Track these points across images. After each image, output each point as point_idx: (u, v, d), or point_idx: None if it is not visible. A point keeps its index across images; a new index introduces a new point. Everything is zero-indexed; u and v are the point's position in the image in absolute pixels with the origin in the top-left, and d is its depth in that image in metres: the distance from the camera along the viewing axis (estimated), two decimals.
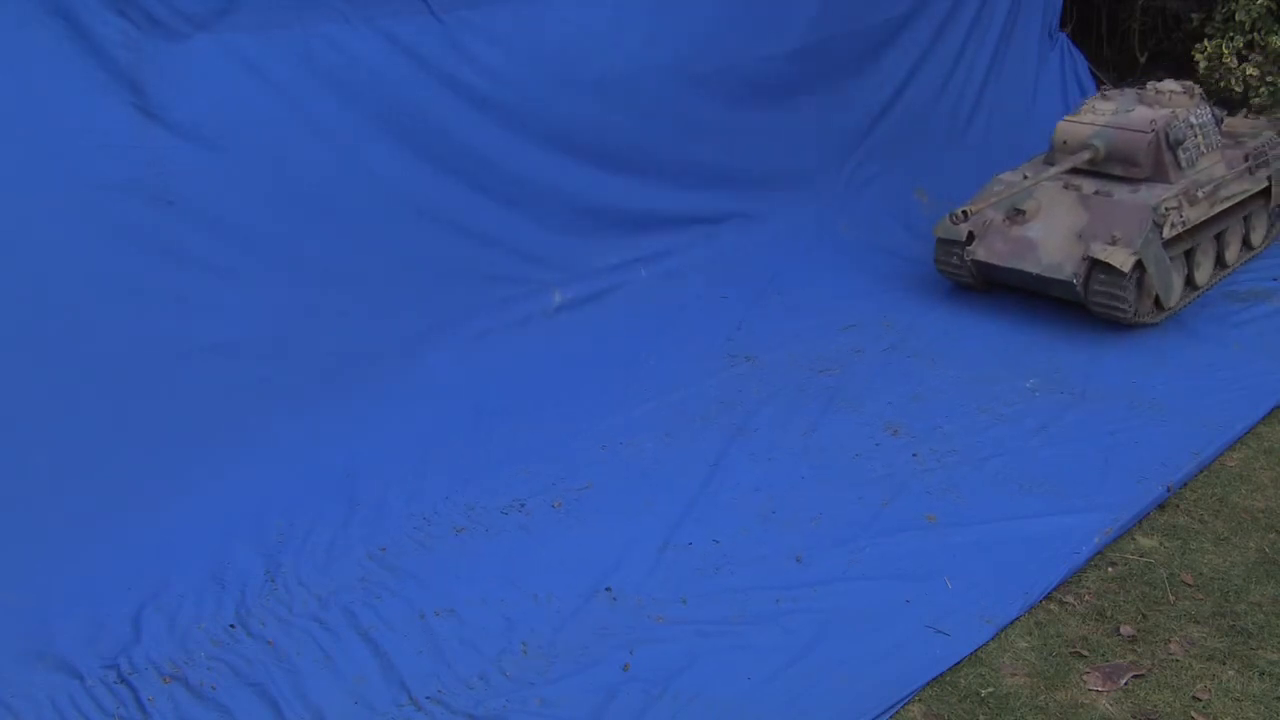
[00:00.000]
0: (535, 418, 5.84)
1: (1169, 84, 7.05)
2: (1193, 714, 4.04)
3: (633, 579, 4.74)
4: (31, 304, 4.89)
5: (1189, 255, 6.81)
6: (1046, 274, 6.45)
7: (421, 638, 4.43)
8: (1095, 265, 6.29)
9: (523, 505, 5.22)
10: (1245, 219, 7.36)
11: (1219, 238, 7.11)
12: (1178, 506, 5.18)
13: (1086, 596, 4.63)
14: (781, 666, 4.25)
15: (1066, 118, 7.02)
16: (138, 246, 5.16)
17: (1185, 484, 5.31)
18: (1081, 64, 9.65)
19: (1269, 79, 9.49)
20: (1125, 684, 4.18)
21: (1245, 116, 8.13)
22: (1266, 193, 7.39)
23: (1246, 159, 7.14)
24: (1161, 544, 4.94)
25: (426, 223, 6.15)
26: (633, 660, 4.31)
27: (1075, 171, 6.78)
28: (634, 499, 5.23)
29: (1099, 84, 9.74)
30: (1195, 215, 6.56)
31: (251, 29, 5.36)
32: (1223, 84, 9.69)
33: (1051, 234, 6.54)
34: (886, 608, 4.53)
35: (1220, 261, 7.21)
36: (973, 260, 6.73)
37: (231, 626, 4.50)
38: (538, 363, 6.29)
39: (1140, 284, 6.35)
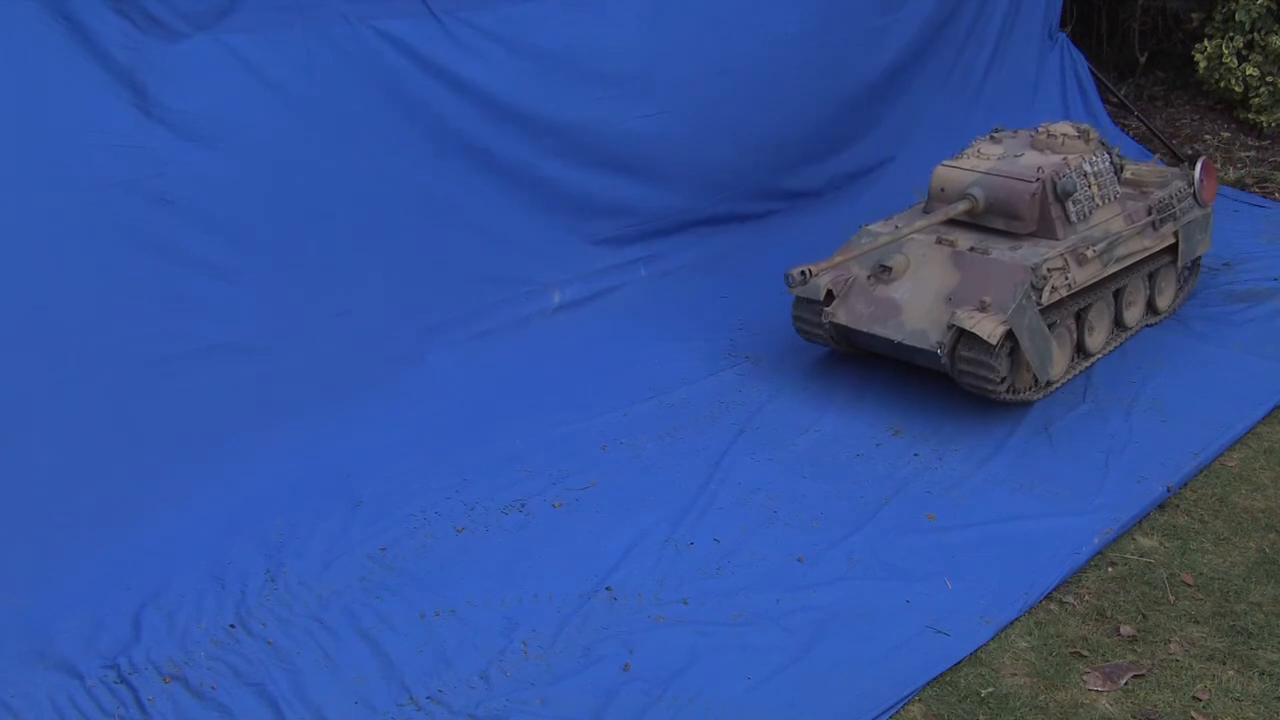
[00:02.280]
0: (535, 417, 5.84)
1: (1063, 127, 6.28)
2: (1193, 714, 4.04)
3: (633, 579, 4.74)
4: (31, 304, 4.89)
5: (1080, 318, 6.09)
6: (908, 342, 5.64)
7: (422, 637, 4.43)
8: (962, 334, 5.48)
9: (523, 505, 5.22)
10: (1150, 278, 6.57)
11: (1118, 296, 6.36)
12: (1178, 507, 5.18)
13: (1086, 596, 4.63)
14: (781, 666, 4.25)
15: (945, 162, 6.24)
16: (138, 246, 5.17)
17: (1185, 484, 5.31)
18: (1081, 64, 9.64)
19: (1269, 79, 9.50)
20: (1125, 684, 4.18)
21: (1156, 163, 7.23)
22: (1175, 249, 6.57)
23: (1149, 212, 6.33)
24: (1161, 544, 4.94)
25: (426, 222, 6.16)
26: (633, 660, 4.31)
27: (955, 224, 6.04)
28: (634, 499, 5.23)
29: (1101, 85, 9.74)
30: (1084, 277, 5.84)
31: (251, 29, 5.36)
32: (1223, 84, 9.70)
33: (918, 296, 5.73)
34: (886, 608, 4.53)
35: (1119, 323, 6.44)
36: (831, 322, 5.89)
37: (231, 626, 4.50)
38: (538, 363, 6.30)
39: (1015, 355, 5.60)
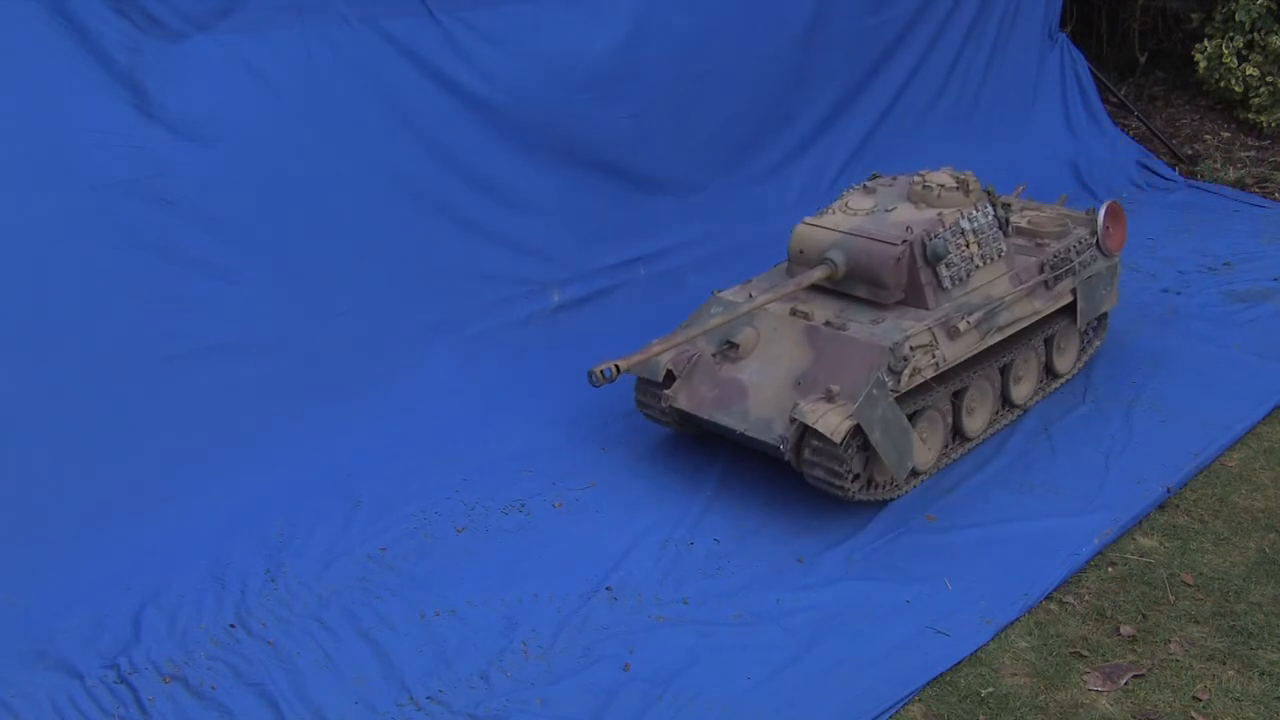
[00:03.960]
0: (535, 417, 5.84)
1: (940, 176, 5.43)
2: (1193, 714, 4.04)
3: (633, 579, 4.74)
4: (31, 304, 4.89)
5: (957, 398, 5.37)
6: (751, 433, 4.98)
7: (422, 637, 4.44)
8: (807, 427, 4.81)
9: (523, 505, 5.22)
10: (1048, 341, 5.84)
11: (1005, 370, 5.61)
12: (1178, 507, 5.18)
13: (1086, 596, 4.63)
14: (781, 666, 4.25)
15: (807, 219, 5.47)
16: (138, 246, 5.17)
17: (1185, 484, 5.31)
18: (1082, 64, 9.65)
19: (1269, 79, 9.50)
20: (1125, 684, 4.18)
21: (1059, 206, 6.35)
22: (1074, 308, 5.86)
23: (1042, 269, 5.61)
24: (1161, 544, 4.94)
25: (426, 223, 6.16)
26: (633, 660, 4.31)
27: (818, 289, 5.35)
28: (634, 499, 5.24)
29: (1101, 85, 9.74)
30: (957, 353, 5.13)
31: (251, 29, 5.36)
32: (1223, 84, 9.70)
33: (767, 378, 5.06)
34: (886, 608, 4.54)
35: (1006, 400, 5.69)
36: (671, 407, 5.26)
37: (231, 626, 4.50)
38: (538, 363, 6.29)
39: (872, 448, 4.87)
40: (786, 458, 4.89)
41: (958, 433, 5.43)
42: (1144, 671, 4.23)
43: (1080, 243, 5.86)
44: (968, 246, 5.28)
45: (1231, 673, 4.21)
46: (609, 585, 4.70)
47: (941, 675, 4.21)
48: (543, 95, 6.48)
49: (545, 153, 6.60)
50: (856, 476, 4.90)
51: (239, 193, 5.44)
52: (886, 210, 5.32)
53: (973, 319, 5.19)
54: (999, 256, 5.45)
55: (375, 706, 4.12)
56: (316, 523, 5.06)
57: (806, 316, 5.17)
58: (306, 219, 5.69)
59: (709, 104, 7.33)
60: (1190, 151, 9.62)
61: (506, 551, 4.92)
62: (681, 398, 5.22)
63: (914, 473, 5.17)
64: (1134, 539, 4.97)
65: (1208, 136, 9.89)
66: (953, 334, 5.11)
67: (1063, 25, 9.75)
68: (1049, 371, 5.94)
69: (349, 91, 5.74)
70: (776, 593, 4.64)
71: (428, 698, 4.15)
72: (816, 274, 5.20)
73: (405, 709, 4.10)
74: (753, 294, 5.37)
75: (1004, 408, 5.69)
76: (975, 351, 5.24)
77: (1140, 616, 4.52)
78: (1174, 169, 9.33)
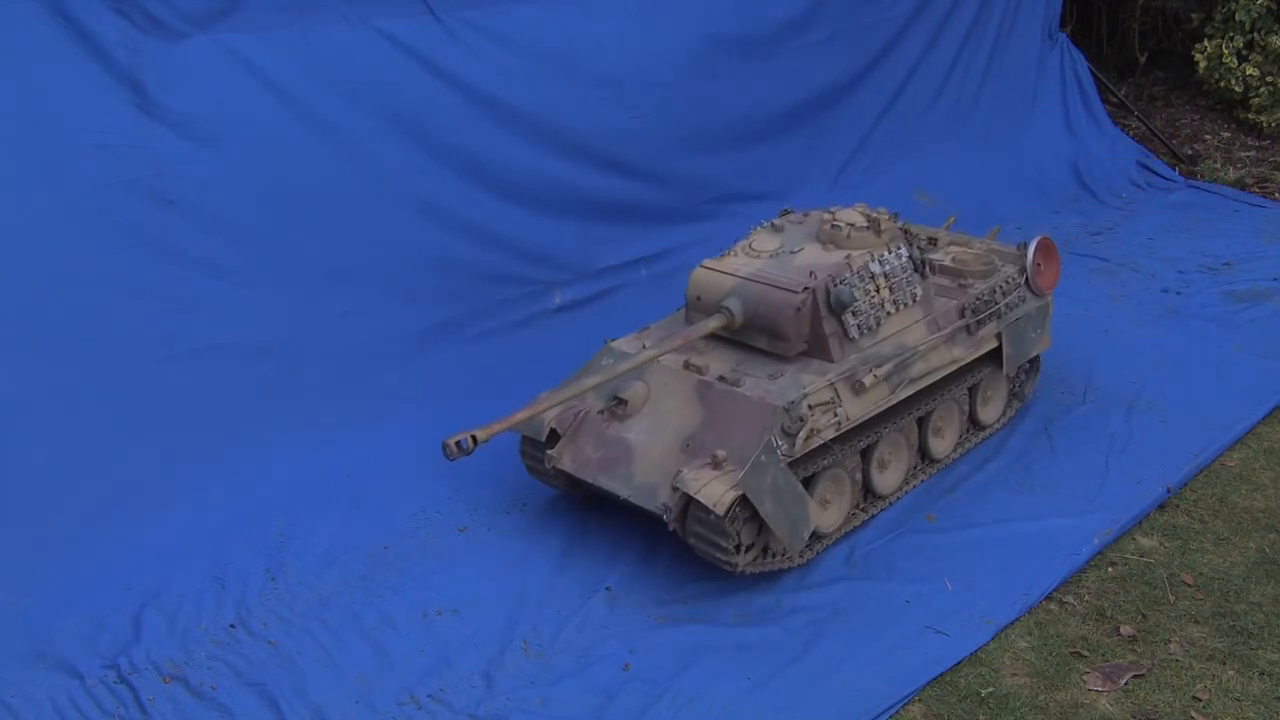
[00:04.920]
0: None
1: (851, 214, 4.98)
2: (1193, 714, 4.04)
3: (633, 579, 4.74)
4: (32, 304, 4.89)
5: (867, 455, 4.95)
6: (635, 500, 4.55)
7: (423, 637, 4.44)
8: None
9: (524, 505, 5.22)
10: (971, 390, 5.43)
11: (923, 423, 5.21)
12: (1178, 507, 5.18)
13: (1086, 596, 4.63)
14: (781, 666, 4.25)
15: (705, 263, 5.02)
16: (138, 246, 5.17)
17: (1185, 484, 5.31)
18: (1081, 64, 9.65)
19: (1269, 79, 9.50)
20: (1125, 684, 4.18)
21: (989, 240, 5.87)
22: (998, 353, 5.39)
23: (963, 313, 5.17)
24: (1161, 544, 4.94)
25: (426, 223, 6.16)
26: (633, 660, 4.31)
27: (717, 339, 4.94)
28: None
29: (1101, 85, 9.74)
30: (862, 409, 4.72)
31: (251, 29, 5.36)
32: (1223, 84, 9.70)
33: (655, 438, 4.64)
34: (886, 608, 4.54)
35: (925, 454, 5.29)
36: (555, 468, 4.84)
37: (232, 626, 4.51)
38: (538, 363, 6.28)
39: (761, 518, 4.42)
40: (671, 528, 4.48)
41: (869, 491, 5.03)
42: (1144, 671, 4.23)
43: (1008, 282, 5.40)
44: (878, 292, 4.86)
45: (1231, 673, 4.21)
46: (609, 585, 4.70)
47: (941, 675, 4.21)
48: (543, 95, 6.48)
49: (545, 152, 6.59)
50: (749, 547, 4.50)
51: (239, 193, 5.43)
52: (792, 252, 4.90)
53: (880, 371, 4.76)
54: (914, 301, 5.01)
55: (376, 706, 4.12)
56: (317, 522, 5.05)
57: (700, 370, 4.76)
58: (307, 219, 5.69)
59: (709, 104, 7.33)
60: (1190, 151, 9.62)
61: (508, 551, 4.92)
62: (566, 458, 4.78)
63: (817, 537, 4.78)
64: (1134, 539, 4.97)
65: (1208, 136, 9.89)
66: (858, 389, 4.69)
67: (1063, 25, 9.75)
68: (973, 423, 5.53)
69: (349, 91, 5.74)
70: (776, 593, 4.64)
71: (429, 697, 4.15)
72: (710, 324, 4.78)
73: (406, 708, 4.11)
74: (646, 344, 4.96)
75: (923, 461, 5.30)
76: (885, 406, 4.82)
77: (1140, 616, 4.52)
78: (1174, 169, 9.34)
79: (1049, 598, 4.61)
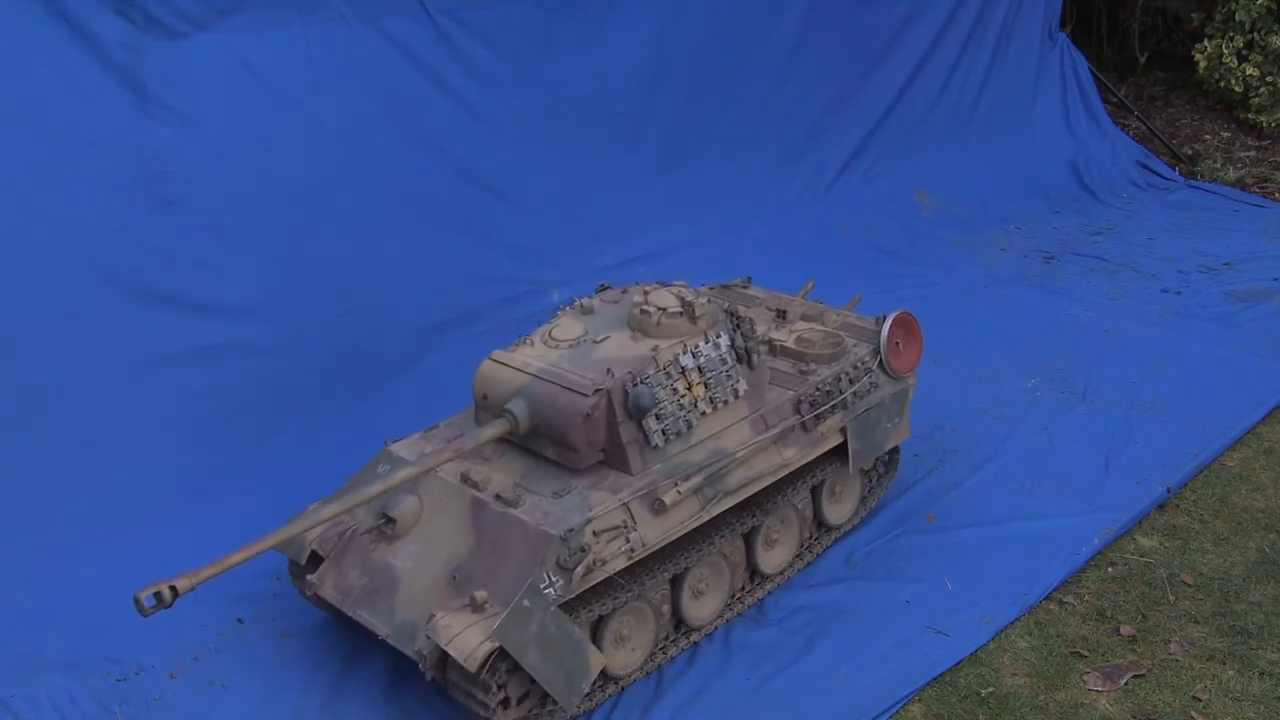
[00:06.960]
0: None
1: (664, 296, 4.26)
2: (1193, 714, 4.04)
3: None
4: (32, 304, 4.89)
5: (678, 582, 4.23)
6: (393, 642, 3.86)
7: None
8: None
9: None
10: (815, 491, 4.70)
11: (751, 537, 4.48)
12: (1178, 507, 5.18)
13: (1086, 596, 4.63)
14: (781, 666, 4.25)
15: (495, 355, 4.32)
16: (138, 246, 5.17)
17: (1185, 484, 5.31)
18: (1081, 64, 9.66)
19: (1269, 79, 9.51)
20: (1125, 684, 4.18)
21: (847, 311, 5.13)
22: (843, 449, 4.60)
23: (798, 407, 4.44)
24: (1161, 544, 4.94)
25: (427, 223, 6.16)
26: None
27: (508, 443, 4.26)
28: None
29: (1101, 85, 9.74)
30: (665, 530, 3.99)
31: (251, 29, 5.36)
32: (1223, 84, 9.70)
33: (422, 567, 3.96)
34: (886, 608, 4.54)
35: (754, 571, 4.55)
36: (314, 595, 4.17)
37: (239, 621, 4.51)
38: None
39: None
40: (429, 677, 3.76)
41: (680, 622, 4.32)
42: (1144, 671, 4.23)
43: (857, 366, 4.66)
44: (689, 390, 4.12)
45: (1231, 673, 4.21)
46: None
47: (941, 675, 4.21)
48: (541, 95, 6.49)
49: (544, 152, 6.60)
50: (522, 699, 3.82)
51: (239, 192, 5.44)
52: (595, 342, 4.19)
53: (686, 486, 4.02)
54: (735, 397, 4.25)
55: (379, 700, 4.11)
56: None
57: (478, 485, 4.04)
58: (306, 219, 5.69)
59: (709, 104, 7.34)
60: (1190, 151, 9.63)
61: None
62: (328, 585, 4.08)
63: (611, 679, 4.10)
64: (1134, 539, 4.97)
65: (1208, 136, 9.90)
66: (658, 508, 3.95)
67: (1063, 25, 9.76)
68: (820, 524, 4.81)
69: (349, 91, 5.75)
70: (776, 593, 4.64)
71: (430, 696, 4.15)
72: (488, 433, 4.06)
73: (407, 703, 4.10)
74: (428, 449, 4.27)
75: (751, 581, 4.58)
76: (693, 526, 4.07)
77: (1140, 616, 4.52)
78: (1174, 169, 9.35)
79: (1049, 598, 4.61)
